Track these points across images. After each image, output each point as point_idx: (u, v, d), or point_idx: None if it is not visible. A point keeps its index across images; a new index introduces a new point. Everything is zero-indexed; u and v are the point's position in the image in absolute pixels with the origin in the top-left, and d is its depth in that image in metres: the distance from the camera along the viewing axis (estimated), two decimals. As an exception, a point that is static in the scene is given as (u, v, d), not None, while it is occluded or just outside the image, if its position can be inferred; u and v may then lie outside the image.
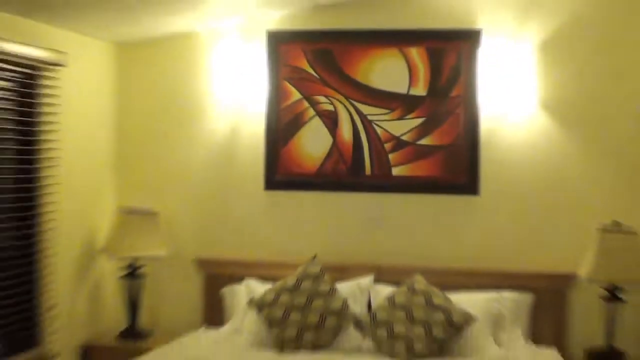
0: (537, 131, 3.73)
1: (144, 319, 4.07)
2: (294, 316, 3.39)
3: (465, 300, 3.52)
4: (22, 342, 3.57)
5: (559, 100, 3.72)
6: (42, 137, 3.61)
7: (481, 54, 3.69)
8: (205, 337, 3.72)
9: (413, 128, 3.68)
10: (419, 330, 3.26)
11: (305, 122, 3.85)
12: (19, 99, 3.56)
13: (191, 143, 4.19)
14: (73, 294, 3.88)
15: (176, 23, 3.92)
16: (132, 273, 3.83)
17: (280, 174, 3.89)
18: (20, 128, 3.60)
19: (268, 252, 4.08)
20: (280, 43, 3.82)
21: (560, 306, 3.81)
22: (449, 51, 3.70)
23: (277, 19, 3.94)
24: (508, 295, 3.61)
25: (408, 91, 3.68)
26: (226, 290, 3.89)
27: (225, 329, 3.73)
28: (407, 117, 3.70)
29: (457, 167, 3.71)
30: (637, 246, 3.50)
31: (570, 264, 3.61)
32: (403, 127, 3.69)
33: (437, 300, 3.36)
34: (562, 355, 3.44)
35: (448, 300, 3.41)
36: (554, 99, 3.69)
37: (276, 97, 3.82)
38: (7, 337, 3.36)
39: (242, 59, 4.05)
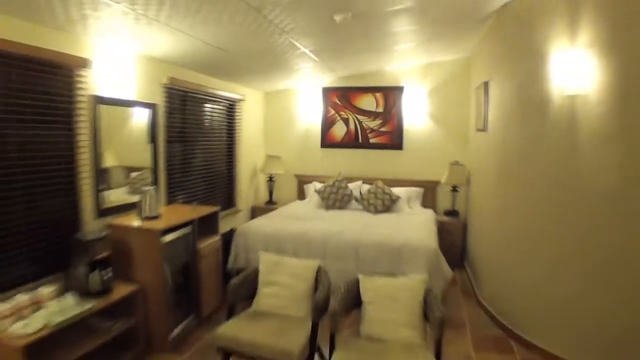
0: (426, 126, 6.80)
1: (275, 197, 7.40)
2: (331, 196, 6.42)
3: (397, 191, 6.39)
4: (229, 204, 6.51)
5: (435, 114, 6.76)
6: (236, 130, 6.50)
7: (404, 95, 6.82)
8: (297, 203, 6.86)
9: (378, 124, 6.97)
10: (379, 202, 6.15)
11: (335, 122, 7.16)
12: (227, 115, 6.32)
13: (292, 131, 7.51)
14: (248, 187, 7.13)
15: (286, 84, 7.18)
16: (270, 179, 7.22)
17: (326, 141, 7.22)
18: (227, 127, 6.35)
19: (322, 171, 7.27)
20: (327, 91, 7.12)
21: (433, 193, 6.79)
22: (391, 94, 6.84)
23: (326, 82, 7.17)
24: (414, 189, 6.64)
25: (375, 109, 6.95)
26: (305, 186, 7.22)
27: (305, 200, 6.91)
28: (375, 119, 6.97)
29: (395, 139, 6.87)
30: (463, 170, 6.26)
31: (438, 177, 6.62)
32: (374, 123, 6.97)
33: (386, 190, 6.22)
34: (434, 212, 6.43)
35: (390, 190, 6.24)
36: (433, 113, 6.76)
37: (325, 113, 7.17)
38: (225, 201, 6.36)
39: (311, 99, 7.32)
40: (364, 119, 7.04)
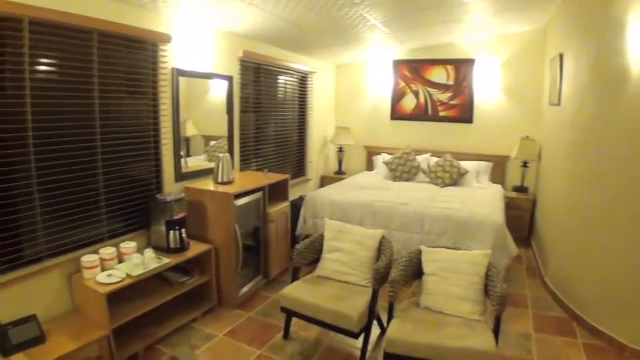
0: (498, 99, 6.50)
1: (344, 168, 7.51)
2: (399, 168, 6.38)
3: (466, 165, 6.19)
4: (299, 173, 6.73)
5: (507, 87, 6.41)
6: (307, 101, 6.62)
7: (475, 68, 6.52)
8: (366, 174, 6.92)
9: (448, 97, 6.74)
10: (447, 175, 6.04)
11: (405, 95, 7.04)
12: (299, 87, 6.43)
13: (362, 103, 7.47)
14: (318, 157, 7.29)
15: (356, 57, 7.13)
16: (340, 150, 7.31)
17: (396, 114, 7.16)
18: (299, 99, 6.47)
19: (390, 143, 7.19)
20: (398, 64, 7.01)
21: (503, 168, 6.48)
22: (462, 66, 6.56)
23: (397, 54, 7.01)
24: (483, 163, 6.39)
25: (446, 82, 6.70)
26: (374, 157, 7.25)
27: (374, 172, 6.93)
28: (446, 92, 6.74)
29: (465, 112, 6.64)
30: (534, 145, 5.98)
31: (508, 152, 6.36)
32: (444, 96, 6.76)
33: (455, 164, 6.06)
34: (503, 187, 6.14)
35: (459, 164, 6.08)
36: (505, 86, 6.40)
37: (395, 86, 7.07)
38: (296, 170, 6.54)
39: (381, 72, 7.23)
40: (434, 91, 6.87)
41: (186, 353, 3.35)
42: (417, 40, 6.28)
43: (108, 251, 3.36)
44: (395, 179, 6.40)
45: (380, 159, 6.97)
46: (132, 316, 3.22)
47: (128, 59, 3.59)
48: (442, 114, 6.87)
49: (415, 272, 3.32)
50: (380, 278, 3.19)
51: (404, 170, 6.40)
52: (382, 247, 3.56)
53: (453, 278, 3.09)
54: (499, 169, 6.53)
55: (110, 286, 3.07)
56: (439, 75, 6.81)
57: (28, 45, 2.80)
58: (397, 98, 7.15)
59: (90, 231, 3.43)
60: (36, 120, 2.92)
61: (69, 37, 3.06)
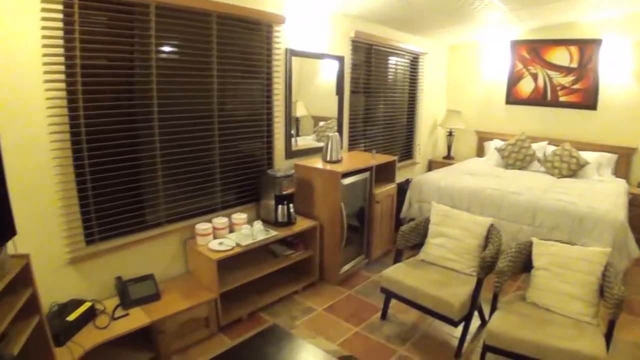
0: (628, 84, 5.67)
1: (453, 152, 7.14)
2: (512, 155, 5.92)
3: (586, 155, 5.51)
4: (406, 156, 6.46)
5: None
6: (418, 83, 6.35)
7: (601, 49, 5.71)
8: (476, 160, 6.51)
9: (570, 80, 6.01)
10: (564, 165, 5.45)
11: (522, 78, 6.42)
12: (410, 68, 6.21)
13: (475, 85, 7.04)
14: (426, 140, 6.99)
15: (471, 37, 6.70)
16: (450, 134, 6.99)
17: (512, 98, 6.60)
18: (410, 80, 6.25)
19: (504, 128, 6.69)
20: (515, 44, 6.38)
21: (628, 161, 5.73)
22: (587, 47, 5.80)
23: (514, 34, 6.36)
24: (606, 154, 5.66)
25: (569, 64, 5.99)
26: (485, 143, 6.78)
27: (484, 158, 6.45)
28: (568, 75, 6.02)
29: (588, 98, 5.88)
30: None
31: (636, 143, 5.63)
32: (565, 80, 6.03)
33: (574, 153, 5.44)
34: (627, 182, 5.41)
35: (578, 154, 5.44)
36: (638, 70, 5.52)
37: (512, 68, 6.47)
38: (403, 153, 6.33)
39: (497, 53, 6.68)
40: (554, 74, 6.17)
41: (286, 322, 3.40)
42: (537, 19, 5.73)
43: (220, 220, 3.52)
44: (507, 166, 5.99)
45: (492, 145, 6.55)
46: (238, 283, 3.35)
47: (244, 40, 3.68)
48: (562, 98, 6.24)
49: (524, 264, 3.08)
50: (487, 267, 3.01)
51: (517, 157, 5.97)
52: (490, 235, 3.35)
53: (565, 274, 2.82)
54: (623, 161, 5.81)
55: (221, 253, 3.21)
56: (560, 56, 6.16)
57: (154, 28, 2.96)
58: (514, 81, 6.63)
59: (205, 201, 3.61)
60: (160, 97, 3.09)
61: (190, 20, 3.20)
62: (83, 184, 2.80)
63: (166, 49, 3.16)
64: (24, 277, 2.13)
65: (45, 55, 2.49)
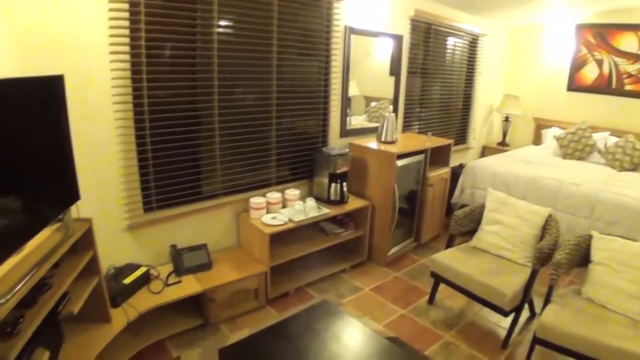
0: None
1: (508, 139, 6.79)
2: (571, 144, 5.59)
3: None
4: (460, 140, 6.26)
5: None
6: (475, 65, 6.02)
7: None
8: (532, 148, 6.15)
9: (637, 68, 5.59)
10: (627, 158, 5.13)
11: (586, 64, 6.01)
12: (468, 50, 5.90)
13: (535, 70, 6.63)
14: (481, 125, 6.67)
15: (533, 19, 6.27)
16: (506, 120, 6.66)
17: (573, 84, 6.19)
18: (467, 63, 5.95)
19: (564, 116, 6.30)
20: (581, 28, 5.95)
21: None
22: None
23: (580, 17, 5.94)
24: None
25: (637, 52, 5.57)
26: (543, 131, 6.35)
27: (541, 146, 6.07)
28: (636, 63, 5.61)
29: None
30: None
31: None
32: (632, 68, 5.61)
33: (638, 146, 5.08)
34: None
35: None
36: None
37: (576, 53, 6.04)
38: (458, 137, 6.07)
39: (560, 37, 6.26)
40: (621, 61, 5.73)
41: (333, 300, 3.37)
42: (605, 2, 5.35)
43: (274, 195, 3.51)
44: (566, 156, 5.68)
45: (550, 133, 6.20)
46: (288, 258, 3.35)
47: (304, 16, 3.61)
48: (628, 87, 5.81)
49: (582, 258, 2.91)
50: (542, 258, 2.86)
51: (576, 147, 5.64)
52: (548, 225, 3.18)
53: (626, 272, 2.63)
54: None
55: (273, 227, 3.21)
56: (628, 42, 5.72)
57: (217, 3, 2.92)
58: (577, 67, 6.23)
59: (260, 176, 3.61)
60: (220, 72, 3.08)
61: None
62: (144, 153, 2.84)
63: (228, 25, 3.12)
64: (86, 240, 2.19)
65: (111, 27, 2.53)
